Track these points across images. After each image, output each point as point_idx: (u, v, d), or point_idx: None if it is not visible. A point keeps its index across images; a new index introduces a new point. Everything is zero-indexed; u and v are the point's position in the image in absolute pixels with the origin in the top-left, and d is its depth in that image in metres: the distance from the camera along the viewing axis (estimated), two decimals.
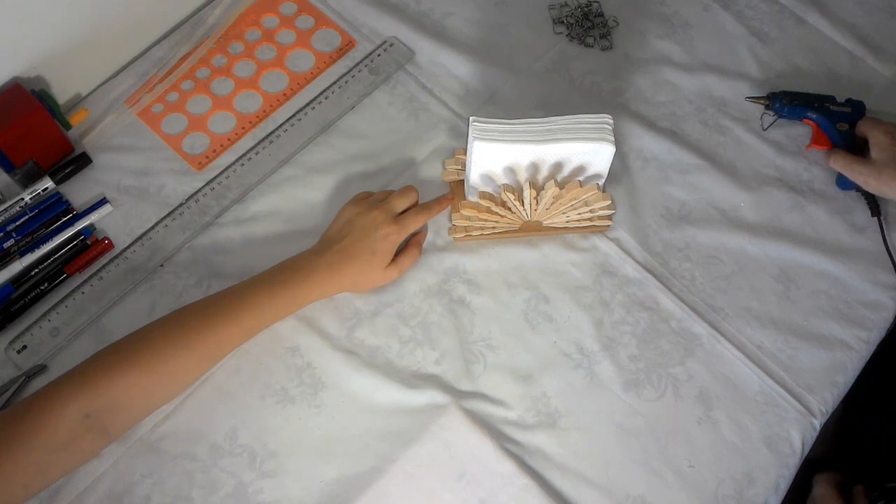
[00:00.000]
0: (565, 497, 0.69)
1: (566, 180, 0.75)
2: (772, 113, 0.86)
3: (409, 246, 0.78)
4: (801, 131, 0.88)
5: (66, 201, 0.80)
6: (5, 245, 0.77)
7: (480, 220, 0.77)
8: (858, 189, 0.82)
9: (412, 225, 0.76)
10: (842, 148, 0.82)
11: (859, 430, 0.91)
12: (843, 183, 0.83)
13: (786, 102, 0.85)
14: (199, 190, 0.82)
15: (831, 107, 0.84)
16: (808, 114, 0.84)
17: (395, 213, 0.75)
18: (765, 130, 0.84)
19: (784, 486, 0.72)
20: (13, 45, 0.78)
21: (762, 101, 0.87)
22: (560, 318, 0.77)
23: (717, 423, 0.73)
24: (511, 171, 0.74)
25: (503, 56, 0.91)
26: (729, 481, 0.71)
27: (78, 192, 0.81)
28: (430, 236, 0.80)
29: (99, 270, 0.77)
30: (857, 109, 0.85)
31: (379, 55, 0.90)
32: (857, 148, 0.82)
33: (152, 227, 0.80)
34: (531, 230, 0.80)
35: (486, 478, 0.70)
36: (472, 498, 0.69)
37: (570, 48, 0.93)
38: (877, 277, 0.81)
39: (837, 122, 0.83)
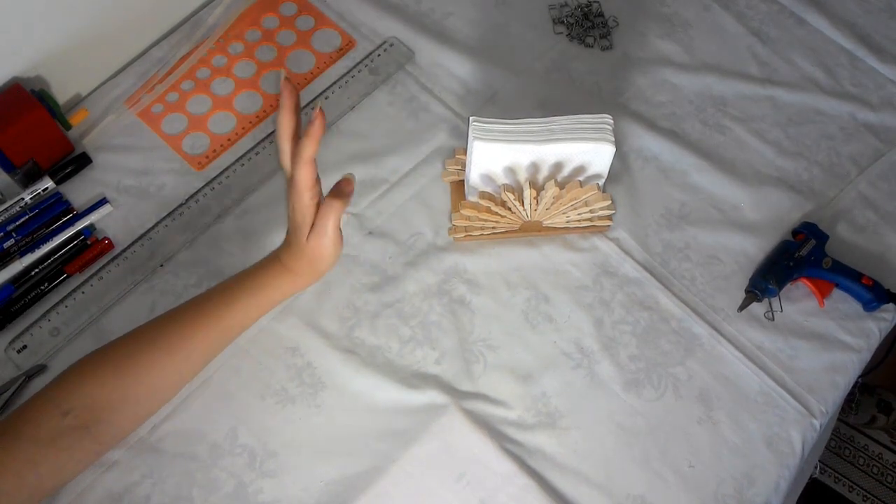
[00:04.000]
0: (565, 497, 0.69)
1: (566, 180, 0.75)
2: (770, 298, 0.78)
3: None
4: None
5: (67, 201, 0.80)
6: (5, 245, 0.77)
7: (480, 220, 0.77)
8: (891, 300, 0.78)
9: (297, 176, 0.60)
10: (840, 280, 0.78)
11: None
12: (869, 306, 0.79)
13: (770, 281, 0.77)
14: (199, 190, 0.82)
15: (801, 252, 0.78)
16: (794, 275, 0.78)
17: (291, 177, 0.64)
18: (782, 312, 0.78)
19: (784, 486, 0.72)
20: (13, 45, 0.78)
21: (755, 300, 0.78)
22: (560, 318, 0.77)
23: (718, 423, 0.73)
24: (511, 171, 0.74)
25: (503, 56, 0.91)
26: (729, 481, 0.71)
27: (78, 192, 0.81)
28: (429, 236, 0.80)
29: (99, 270, 0.77)
30: (812, 232, 0.80)
31: (379, 55, 0.90)
32: (847, 271, 0.78)
33: (152, 227, 0.80)
34: (531, 230, 0.80)
35: (486, 478, 0.70)
36: (472, 498, 0.69)
37: (570, 48, 0.93)
38: None
39: (822, 261, 0.78)
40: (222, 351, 0.70)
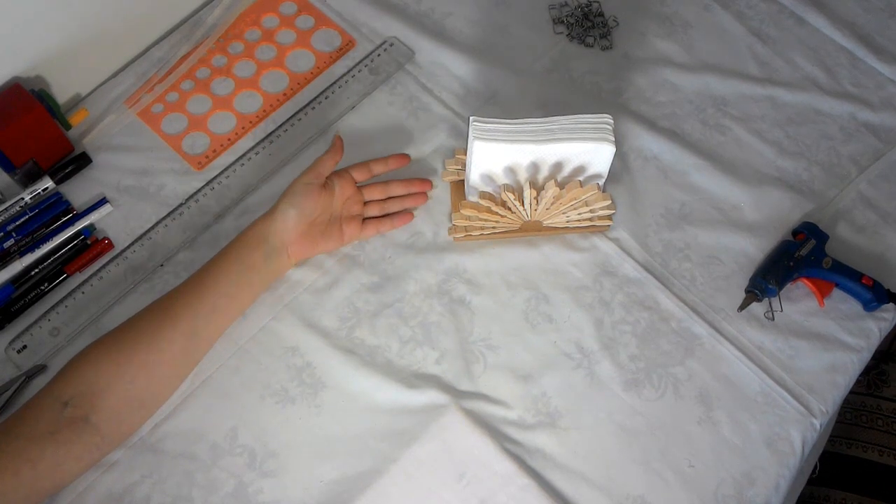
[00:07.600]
0: (565, 497, 0.69)
1: (566, 180, 0.75)
2: (770, 298, 0.78)
3: (367, 222, 0.78)
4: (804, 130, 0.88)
5: (66, 201, 0.80)
6: (5, 245, 0.77)
7: (480, 220, 0.77)
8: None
9: (319, 165, 0.74)
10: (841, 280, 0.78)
11: None
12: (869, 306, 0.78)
13: (770, 281, 0.76)
14: (199, 190, 0.82)
15: (801, 252, 0.78)
16: (794, 275, 0.77)
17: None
18: (782, 312, 0.78)
19: (784, 486, 0.72)
20: (13, 45, 0.78)
21: (754, 300, 0.77)
22: (560, 318, 0.77)
23: (718, 423, 0.73)
24: (511, 171, 0.74)
25: (503, 56, 0.91)
26: (729, 481, 0.71)
27: (78, 191, 0.81)
28: (429, 236, 0.80)
29: (99, 270, 0.77)
30: (812, 232, 0.79)
31: (379, 55, 0.90)
32: (847, 271, 0.78)
33: (152, 227, 0.80)
34: (531, 230, 0.80)
35: (486, 478, 0.70)
36: (472, 498, 0.69)
37: (570, 48, 0.93)
38: None
39: (822, 260, 0.78)
40: (220, 329, 0.71)
